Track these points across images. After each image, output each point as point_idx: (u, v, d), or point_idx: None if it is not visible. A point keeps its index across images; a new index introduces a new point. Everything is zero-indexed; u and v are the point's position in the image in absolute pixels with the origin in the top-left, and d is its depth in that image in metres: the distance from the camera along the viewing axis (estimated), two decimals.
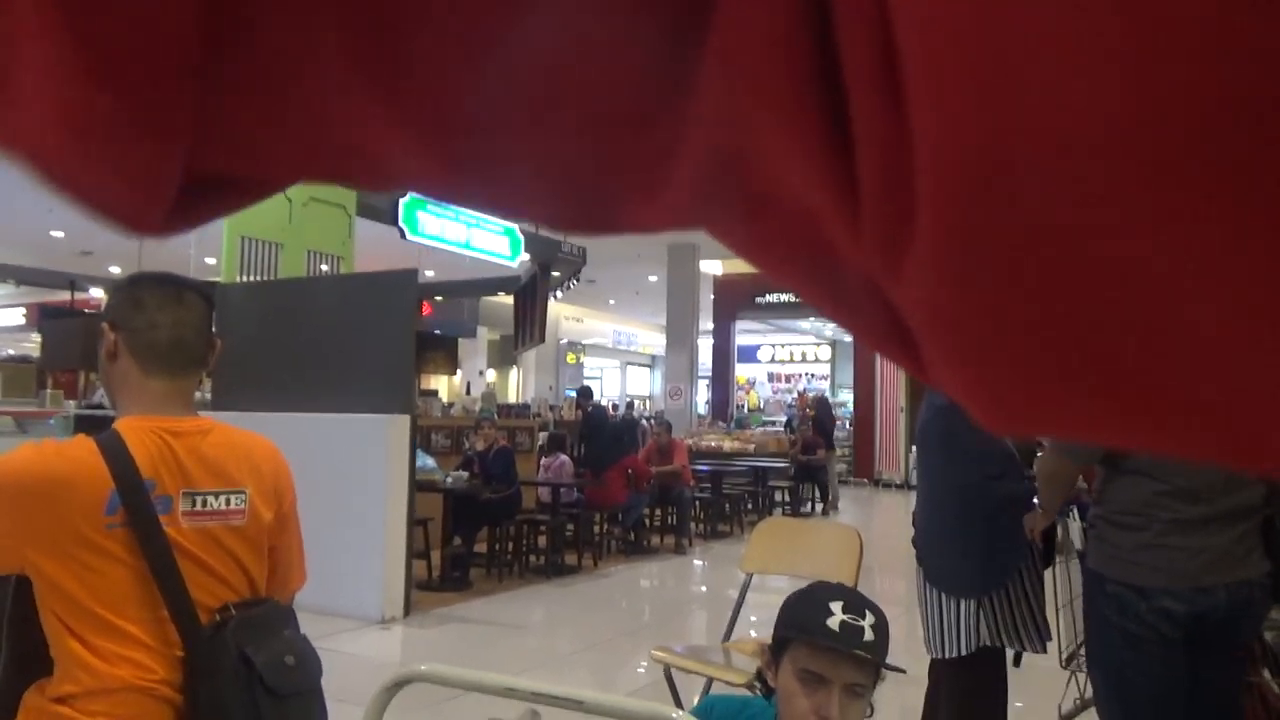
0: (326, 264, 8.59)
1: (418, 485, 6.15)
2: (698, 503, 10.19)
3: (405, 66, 0.35)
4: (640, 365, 30.66)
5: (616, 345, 27.77)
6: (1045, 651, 2.87)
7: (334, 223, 8.71)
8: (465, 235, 10.71)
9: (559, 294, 13.73)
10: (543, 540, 7.76)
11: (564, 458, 8.34)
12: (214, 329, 1.57)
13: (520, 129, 0.36)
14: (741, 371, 20.90)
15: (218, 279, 7.59)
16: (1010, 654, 2.91)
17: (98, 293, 17.35)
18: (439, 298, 18.01)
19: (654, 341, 27.40)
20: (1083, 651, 2.63)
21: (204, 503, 1.43)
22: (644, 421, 12.46)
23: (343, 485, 5.80)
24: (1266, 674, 2.65)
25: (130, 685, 1.31)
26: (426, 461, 7.15)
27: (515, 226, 11.38)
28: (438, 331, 16.59)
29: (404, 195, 9.84)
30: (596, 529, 8.43)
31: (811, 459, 12.85)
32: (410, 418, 5.93)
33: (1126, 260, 0.24)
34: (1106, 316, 0.25)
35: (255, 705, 1.35)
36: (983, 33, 0.23)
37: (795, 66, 0.28)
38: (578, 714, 1.47)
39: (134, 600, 1.34)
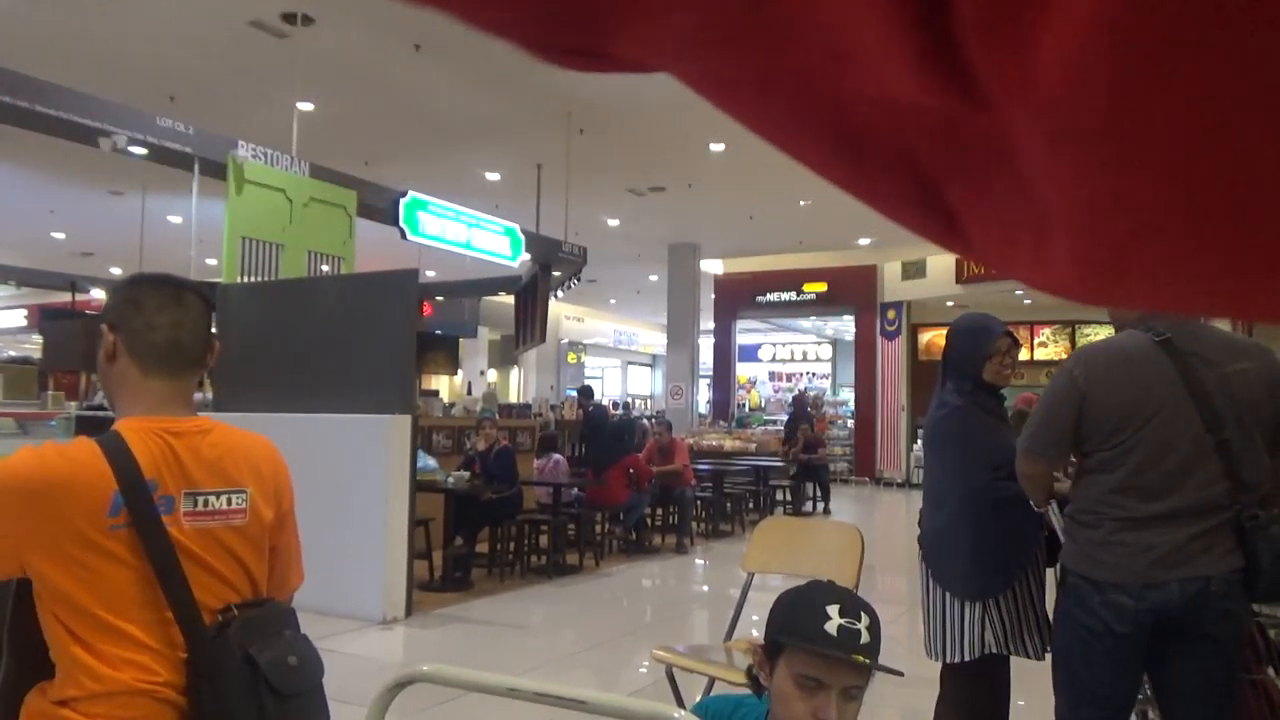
0: (327, 264, 8.59)
1: (419, 485, 6.15)
2: (699, 502, 10.18)
3: None
4: (641, 365, 30.65)
5: (617, 345, 27.77)
6: (1044, 659, 2.86)
7: (334, 223, 8.71)
8: (466, 235, 10.71)
9: (560, 293, 13.72)
10: (544, 540, 7.76)
11: (557, 457, 8.33)
12: (213, 330, 1.56)
13: None
14: (742, 371, 20.90)
15: (218, 279, 7.59)
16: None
17: (98, 294, 17.35)
18: (440, 298, 18.02)
19: (655, 341, 27.40)
20: None
21: (205, 503, 1.43)
22: (642, 421, 12.45)
23: (344, 486, 5.80)
24: (1271, 671, 2.65)
25: (133, 688, 1.31)
26: (428, 462, 7.15)
27: (515, 226, 11.38)
28: (438, 331, 16.60)
29: (404, 195, 9.84)
30: (598, 529, 8.43)
31: (812, 458, 12.86)
32: (411, 418, 5.92)
33: None
34: None
35: (260, 706, 1.35)
36: None
37: None
38: (580, 714, 1.47)
39: (137, 602, 1.34)
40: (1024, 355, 12.87)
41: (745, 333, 21.00)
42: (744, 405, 20.77)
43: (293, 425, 5.90)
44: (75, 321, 12.48)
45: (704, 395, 20.13)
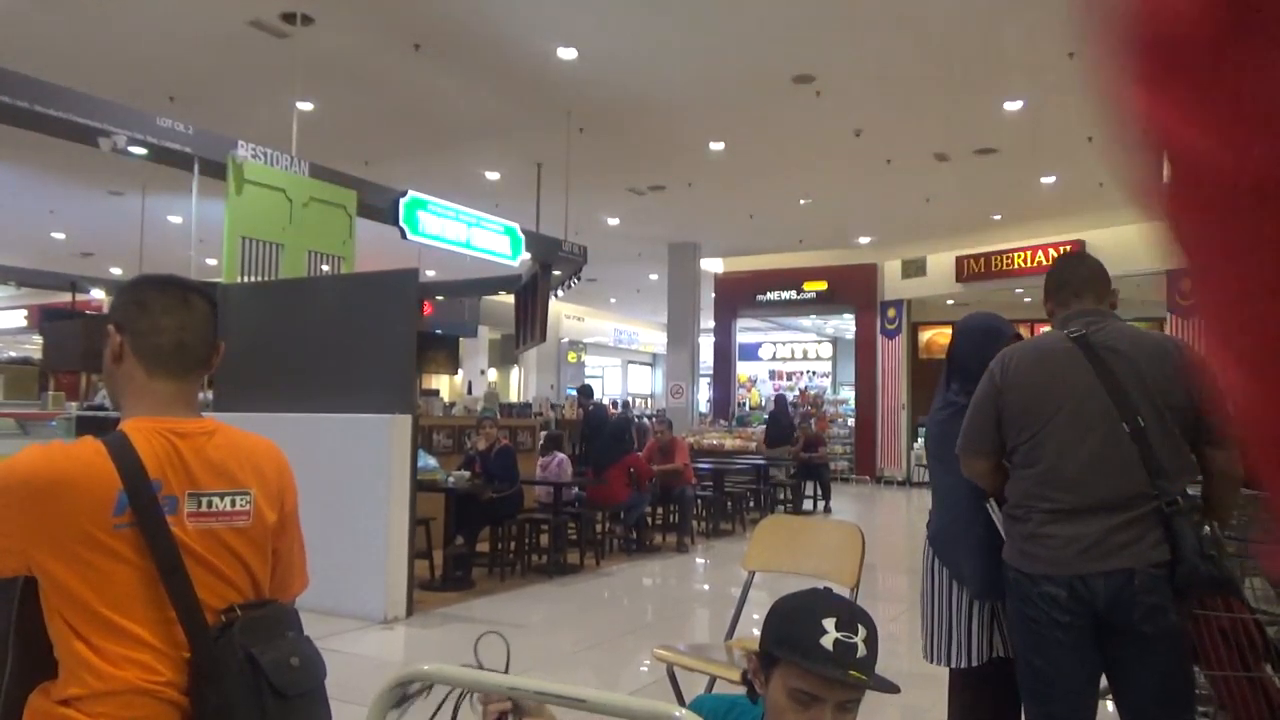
0: (327, 264, 8.59)
1: (419, 485, 6.16)
2: (699, 501, 10.18)
3: None
4: (641, 364, 30.66)
5: (618, 344, 27.77)
6: None
7: (334, 223, 8.70)
8: (465, 235, 10.70)
9: (560, 293, 13.71)
10: (545, 539, 7.76)
11: (561, 456, 8.34)
12: (217, 331, 1.57)
13: None
14: (743, 369, 20.91)
15: (218, 279, 7.59)
16: None
17: (99, 294, 17.36)
18: (440, 297, 18.02)
19: (655, 340, 27.40)
20: None
21: (209, 504, 1.43)
22: (640, 420, 12.45)
23: (344, 485, 5.81)
24: (1269, 669, 2.65)
25: (136, 687, 1.31)
26: (428, 461, 7.16)
27: (515, 226, 11.38)
28: (439, 331, 16.60)
29: (404, 195, 9.84)
30: (598, 528, 8.43)
31: (813, 456, 12.87)
32: (412, 417, 5.92)
33: None
34: None
35: (261, 707, 1.35)
36: None
37: None
38: (581, 713, 1.47)
39: (140, 601, 1.34)
40: None
41: (745, 331, 21.00)
42: (744, 404, 20.78)
43: (293, 425, 5.91)
44: (75, 322, 12.50)
45: (704, 394, 20.13)
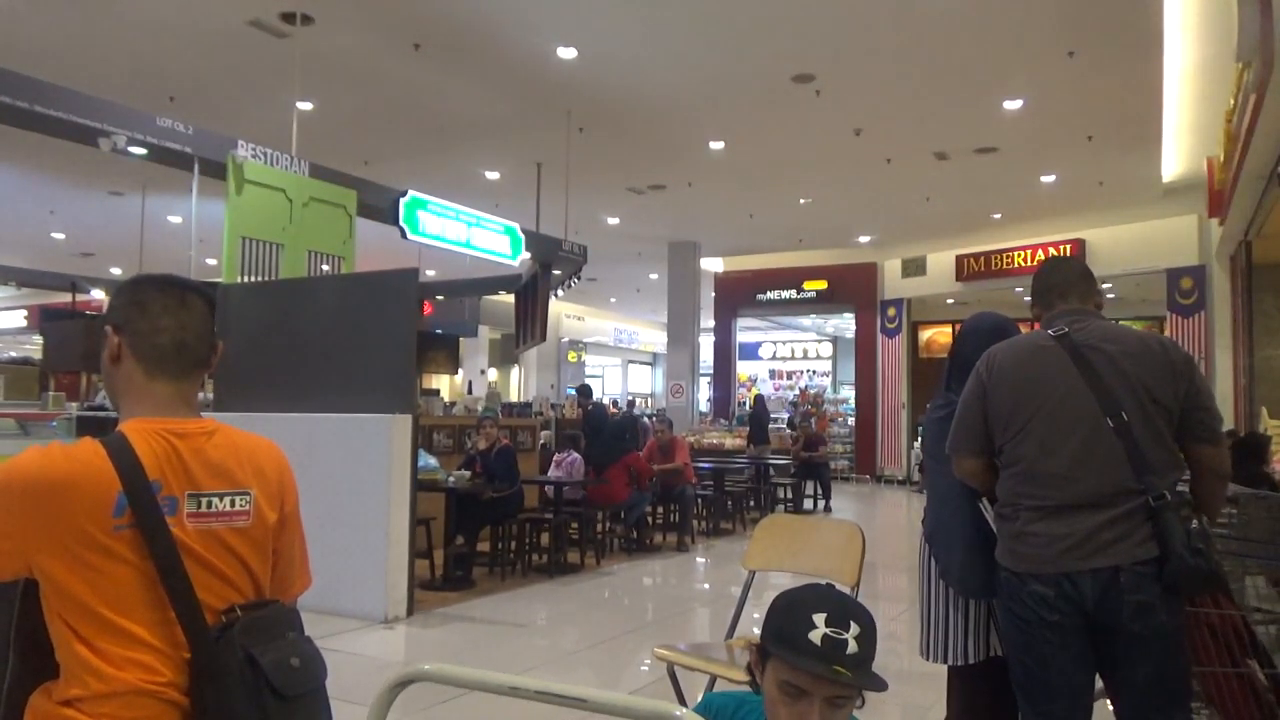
0: (327, 264, 8.59)
1: (420, 485, 6.16)
2: (700, 500, 10.19)
3: None
4: (641, 363, 30.66)
5: (618, 343, 27.78)
6: None
7: (334, 223, 8.70)
8: (465, 235, 10.70)
9: (560, 292, 13.71)
10: (545, 539, 7.77)
11: (575, 455, 8.35)
12: (215, 330, 1.57)
13: None
14: (743, 369, 20.91)
15: (219, 279, 7.59)
16: None
17: (99, 294, 17.36)
18: (440, 297, 18.01)
19: (655, 339, 27.42)
20: None
21: (209, 504, 1.43)
22: (644, 419, 12.47)
23: (345, 485, 5.81)
24: (1254, 664, 2.65)
25: (137, 688, 1.31)
26: (428, 461, 7.16)
27: (515, 225, 11.38)
28: (439, 331, 16.60)
29: (404, 195, 9.84)
30: (599, 527, 8.43)
31: (813, 455, 12.88)
32: (412, 417, 5.92)
33: None
34: None
35: (262, 708, 1.35)
36: None
37: None
38: (581, 712, 1.47)
39: (140, 602, 1.34)
40: None
41: (745, 331, 21.00)
42: (744, 403, 20.78)
43: (293, 425, 5.91)
44: (76, 322, 12.51)
45: (704, 393, 20.13)
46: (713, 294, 19.26)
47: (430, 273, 16.95)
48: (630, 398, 26.58)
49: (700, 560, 8.75)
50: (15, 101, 6.45)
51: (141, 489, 1.34)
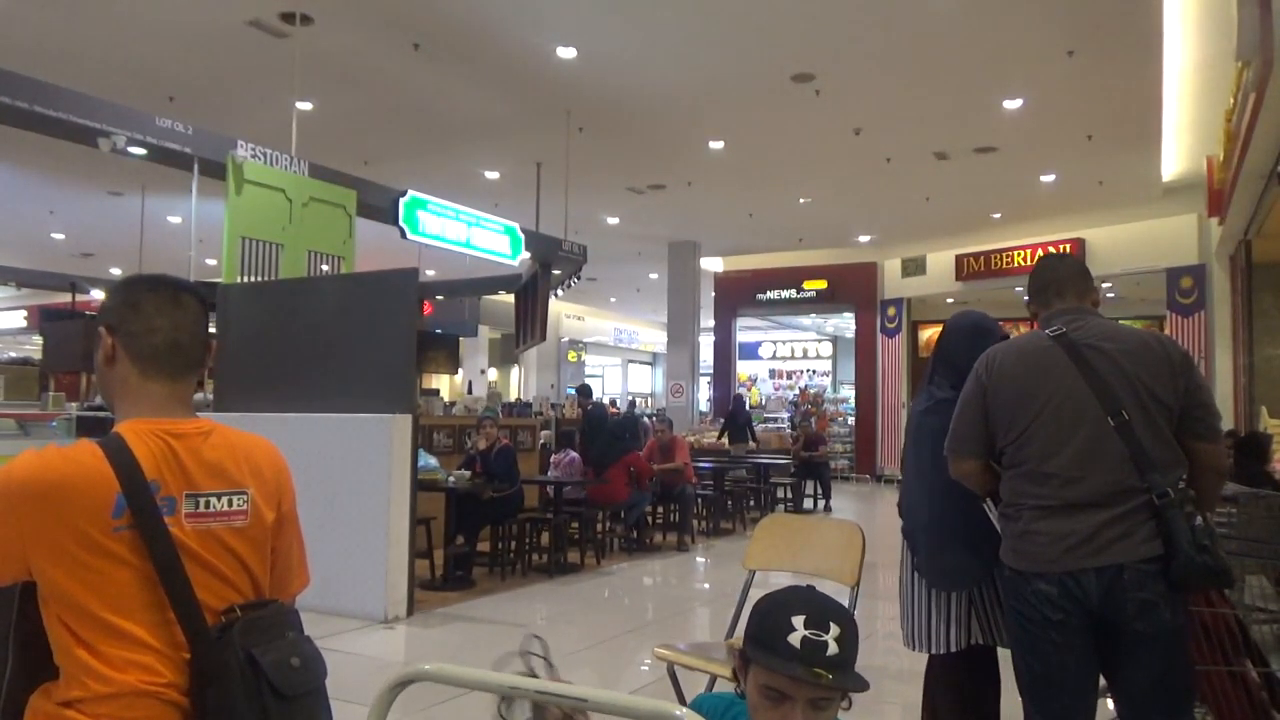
0: (327, 264, 8.58)
1: (420, 485, 6.16)
2: (700, 500, 10.19)
3: None
4: (641, 363, 30.66)
5: (618, 343, 27.78)
6: None
7: (334, 223, 8.70)
8: (465, 234, 10.70)
9: (560, 292, 13.71)
10: (545, 539, 7.77)
11: (573, 454, 8.35)
12: (209, 329, 1.56)
13: None
14: (743, 368, 20.91)
15: (218, 279, 7.59)
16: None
17: (98, 294, 17.34)
18: (440, 297, 18.01)
19: (655, 339, 27.41)
20: None
21: (206, 504, 1.43)
22: (644, 419, 12.47)
23: (345, 485, 5.81)
24: (1248, 663, 2.66)
25: (137, 690, 1.31)
26: (428, 461, 7.16)
27: (515, 225, 11.38)
28: (439, 330, 16.60)
29: (403, 195, 9.83)
30: (599, 527, 8.43)
31: (813, 455, 12.88)
32: (412, 417, 5.92)
33: None
34: None
35: (263, 708, 1.35)
36: None
37: None
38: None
39: (140, 603, 1.34)
40: None
41: (745, 330, 21.00)
42: (744, 403, 20.78)
43: (293, 425, 5.91)
44: (75, 322, 12.49)
45: (704, 393, 20.13)
46: (713, 294, 19.26)
47: (430, 273, 16.95)
48: (632, 398, 26.58)
49: (700, 560, 8.75)
50: (15, 101, 6.45)
51: (140, 490, 1.34)
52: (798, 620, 1.39)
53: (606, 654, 5.33)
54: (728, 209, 14.35)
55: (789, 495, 12.19)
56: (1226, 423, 10.95)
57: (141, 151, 7.44)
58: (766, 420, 19.00)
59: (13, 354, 19.60)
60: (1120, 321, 2.66)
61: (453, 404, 12.07)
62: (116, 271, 18.34)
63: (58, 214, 14.57)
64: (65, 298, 16.47)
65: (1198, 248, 13.26)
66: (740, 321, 19.61)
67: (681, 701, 2.99)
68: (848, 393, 19.34)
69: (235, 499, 1.47)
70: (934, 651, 2.83)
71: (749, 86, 9.28)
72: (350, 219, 8.85)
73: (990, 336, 2.84)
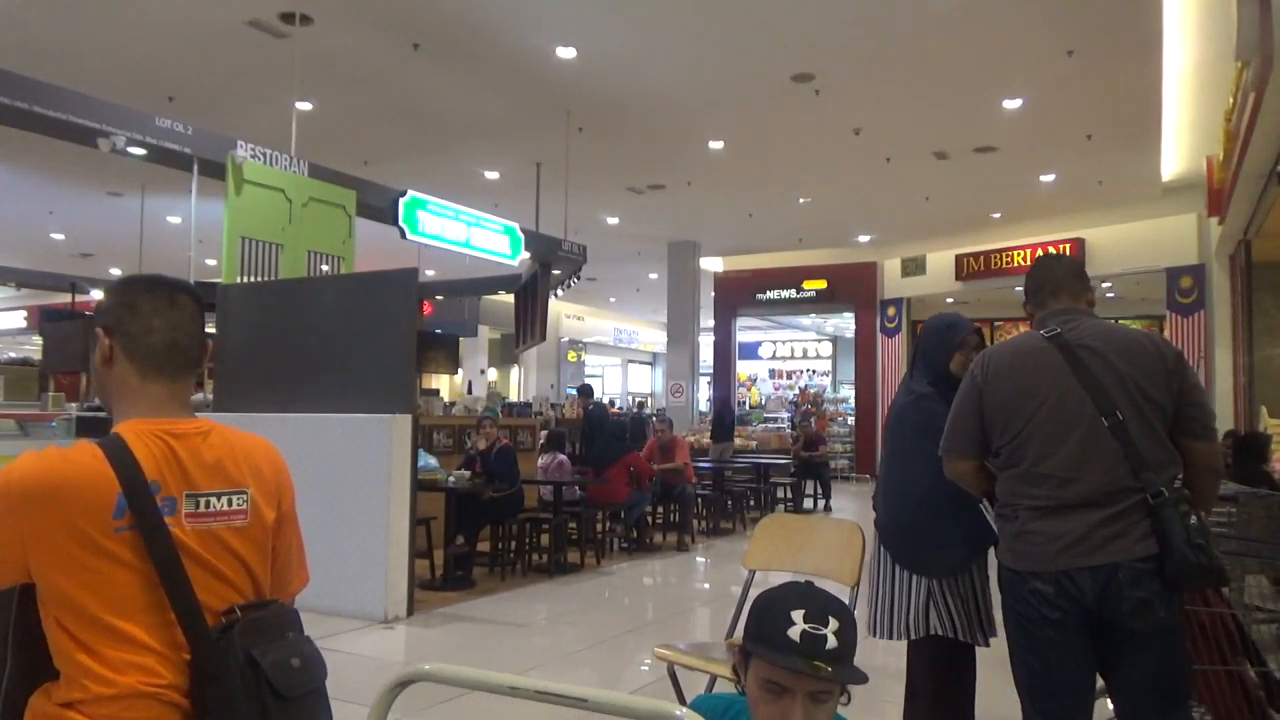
0: (326, 264, 8.58)
1: (420, 485, 6.16)
2: (700, 500, 10.19)
3: None
4: (641, 363, 30.66)
5: (617, 343, 27.78)
6: (988, 645, 2.95)
7: (334, 223, 8.70)
8: (465, 234, 10.69)
9: (560, 292, 13.71)
10: (545, 539, 7.77)
11: (561, 456, 8.34)
12: (206, 329, 1.56)
13: None
14: (743, 368, 20.91)
15: (218, 279, 7.59)
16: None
17: (98, 295, 17.34)
18: (440, 297, 18.02)
19: (655, 339, 27.42)
20: None
21: (206, 504, 1.43)
22: (651, 419, 12.48)
23: (344, 485, 5.81)
24: (1245, 662, 2.66)
25: (138, 691, 1.31)
26: (428, 461, 7.15)
27: (515, 225, 11.38)
28: (438, 331, 16.60)
29: (403, 195, 9.83)
30: (599, 527, 8.43)
31: (813, 455, 12.88)
32: (412, 417, 5.92)
33: None
34: None
35: (263, 708, 1.35)
36: None
37: None
38: (582, 712, 1.47)
39: (140, 604, 1.34)
40: None
41: (745, 330, 21.00)
42: (744, 403, 20.78)
43: (293, 425, 5.91)
44: (75, 322, 12.48)
45: (704, 393, 20.13)
46: (712, 294, 19.26)
47: (430, 273, 16.95)
48: (639, 399, 26.58)
49: (700, 560, 8.75)
50: (15, 102, 6.45)
51: (141, 490, 1.34)
52: (797, 614, 1.40)
53: (606, 654, 5.33)
54: (727, 209, 14.35)
55: (789, 495, 12.19)
56: (1226, 422, 10.96)
57: (141, 152, 7.44)
58: (767, 420, 18.99)
59: (12, 354, 19.60)
60: (1120, 321, 2.68)
61: (453, 404, 12.07)
62: (116, 272, 18.33)
63: (57, 214, 14.57)
64: (65, 298, 16.47)
65: (1197, 247, 13.26)
66: (740, 321, 19.61)
67: (681, 701, 2.99)
68: (848, 393, 19.34)
69: (235, 498, 1.47)
70: (892, 637, 2.95)
71: (749, 86, 9.28)
72: (350, 219, 8.85)
73: (959, 330, 3.02)
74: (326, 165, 8.83)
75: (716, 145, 11.15)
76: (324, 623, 5.33)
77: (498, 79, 9.14)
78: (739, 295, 18.99)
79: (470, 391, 16.05)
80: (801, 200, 13.88)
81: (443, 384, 17.15)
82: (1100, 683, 2.30)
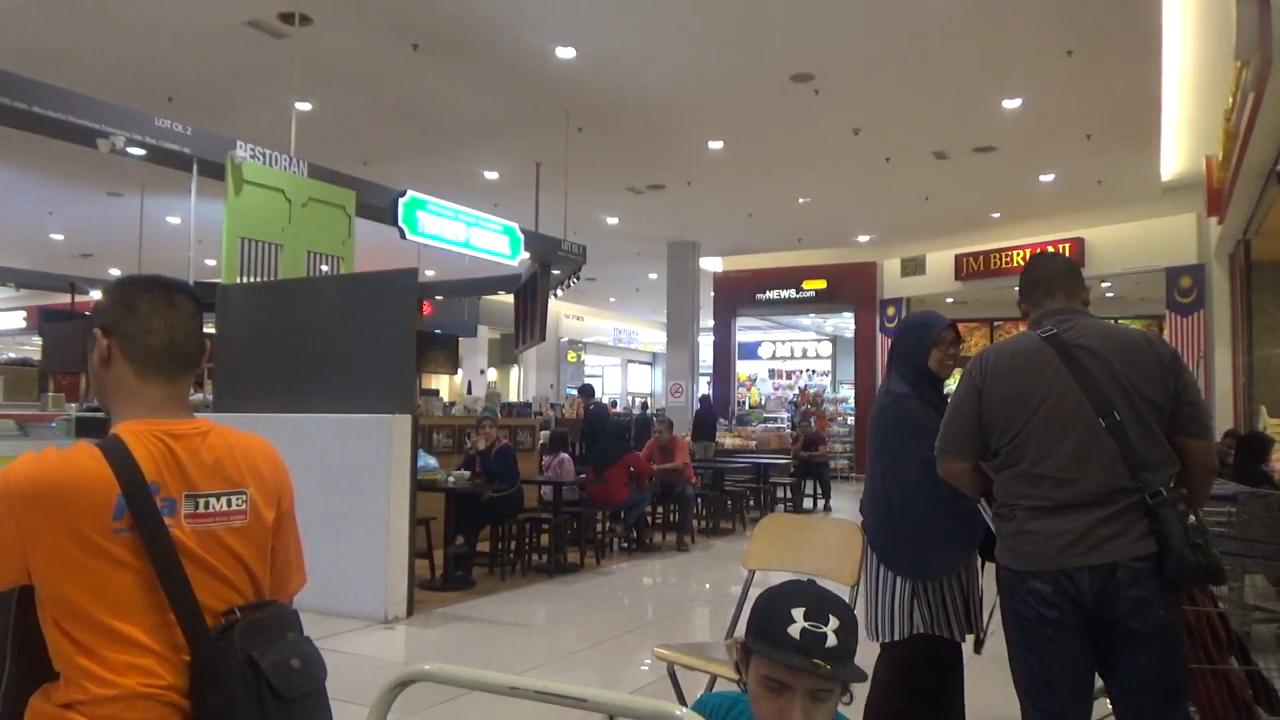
0: (326, 264, 8.58)
1: (419, 485, 6.16)
2: (699, 500, 10.19)
3: None
4: (641, 363, 30.66)
5: (617, 343, 27.78)
6: (979, 651, 2.97)
7: (334, 223, 8.70)
8: (465, 234, 10.69)
9: (559, 292, 13.71)
10: (545, 539, 7.77)
11: (564, 456, 8.35)
12: (204, 329, 1.56)
13: None
14: (742, 368, 20.91)
15: (218, 280, 7.59)
16: (971, 640, 3.00)
17: (98, 295, 17.33)
18: (439, 297, 18.01)
19: (654, 339, 27.41)
20: None
21: (206, 505, 1.43)
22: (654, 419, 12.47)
23: (344, 486, 5.81)
24: (1234, 661, 2.66)
25: (137, 692, 1.31)
26: (428, 461, 7.15)
27: (515, 225, 11.38)
28: (438, 331, 16.60)
29: (403, 195, 9.83)
30: (599, 527, 8.43)
31: (813, 455, 12.88)
32: (411, 417, 5.92)
33: None
34: None
35: (263, 709, 1.35)
36: None
37: None
38: (582, 712, 1.47)
39: (140, 605, 1.33)
40: None
41: (745, 330, 21.00)
42: (744, 403, 20.78)
43: (293, 425, 5.91)
44: (75, 323, 12.47)
45: (703, 393, 20.10)
46: (712, 294, 19.26)
47: (429, 273, 16.95)
48: (643, 400, 26.57)
49: (700, 560, 8.75)
50: (14, 102, 6.44)
51: (140, 491, 1.34)
52: (797, 612, 1.41)
53: (606, 654, 5.33)
54: (727, 209, 14.35)
55: (788, 495, 12.19)
56: (1226, 422, 10.96)
57: (141, 152, 7.43)
58: (766, 420, 18.99)
59: (12, 354, 19.59)
60: (1120, 321, 2.68)
61: (452, 404, 12.06)
62: (115, 272, 18.33)
63: (57, 214, 14.56)
64: (64, 298, 16.45)
65: (1197, 247, 13.26)
66: (740, 321, 19.60)
67: (681, 701, 2.99)
68: (847, 392, 19.34)
69: (234, 499, 1.47)
70: (883, 640, 2.95)
71: (749, 86, 9.28)
72: (349, 219, 8.85)
73: (932, 328, 3.03)
74: (326, 165, 8.83)
75: (716, 145, 11.15)
76: (324, 623, 5.33)
77: (497, 79, 9.14)
78: (739, 295, 18.98)
79: (470, 392, 16.04)
80: (801, 200, 13.88)
81: (442, 384, 17.14)
82: (1099, 682, 2.30)
